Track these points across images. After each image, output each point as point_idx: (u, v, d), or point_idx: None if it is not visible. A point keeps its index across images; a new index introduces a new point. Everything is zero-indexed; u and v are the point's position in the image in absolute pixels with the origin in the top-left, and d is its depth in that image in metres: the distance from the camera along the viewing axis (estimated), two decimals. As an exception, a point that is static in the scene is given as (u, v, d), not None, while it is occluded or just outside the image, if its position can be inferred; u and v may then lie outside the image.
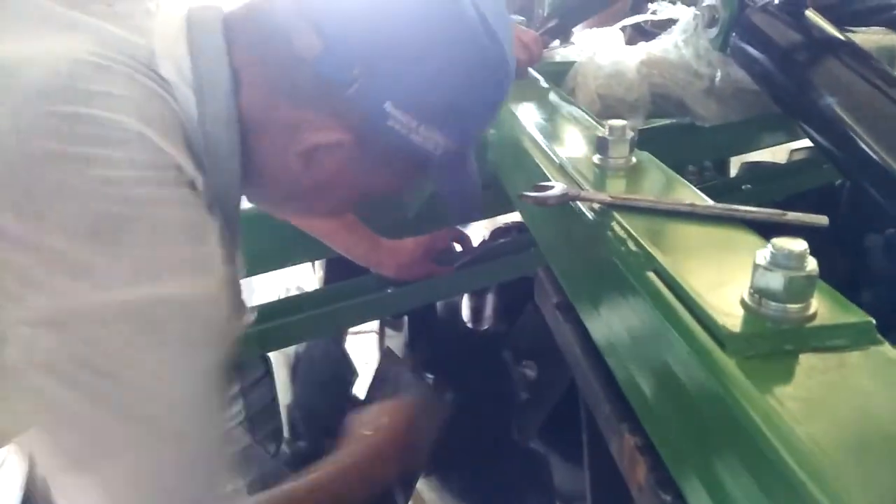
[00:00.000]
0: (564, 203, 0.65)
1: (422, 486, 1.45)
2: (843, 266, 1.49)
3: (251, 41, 0.62)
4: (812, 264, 0.44)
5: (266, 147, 0.63)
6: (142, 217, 0.51)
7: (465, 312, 1.54)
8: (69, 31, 0.56)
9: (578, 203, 0.66)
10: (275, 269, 1.15)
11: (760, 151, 1.68)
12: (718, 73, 1.27)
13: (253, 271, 1.11)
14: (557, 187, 0.66)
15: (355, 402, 1.27)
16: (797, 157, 1.73)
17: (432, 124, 0.62)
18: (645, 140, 1.25)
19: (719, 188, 1.54)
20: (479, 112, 0.68)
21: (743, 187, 1.52)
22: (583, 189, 0.68)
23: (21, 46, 0.54)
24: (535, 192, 0.66)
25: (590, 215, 0.64)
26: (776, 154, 1.76)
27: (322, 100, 0.61)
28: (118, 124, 0.51)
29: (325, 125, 0.62)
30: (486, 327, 1.48)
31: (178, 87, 0.58)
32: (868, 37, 1.35)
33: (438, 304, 1.40)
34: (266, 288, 1.30)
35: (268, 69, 0.62)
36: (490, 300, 1.50)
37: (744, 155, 1.76)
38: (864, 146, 0.93)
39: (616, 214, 0.61)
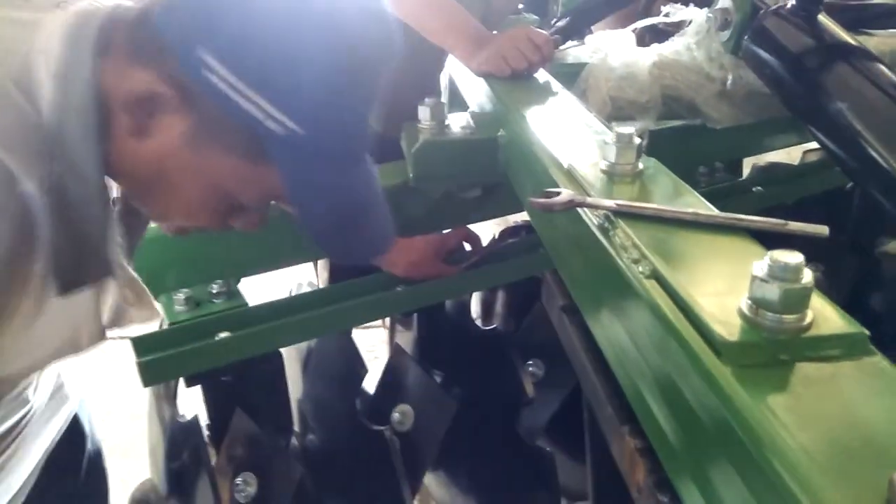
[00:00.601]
0: (570, 209, 0.67)
1: (429, 480, 1.47)
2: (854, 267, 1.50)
3: (126, 18, 0.63)
4: (808, 276, 0.45)
5: (114, 122, 0.63)
6: None
7: (475, 310, 1.56)
8: None
9: (585, 209, 0.67)
10: (285, 266, 1.17)
11: (775, 152, 1.68)
12: (730, 76, 1.27)
13: (262, 269, 1.13)
14: (564, 193, 0.67)
15: (364, 397, 1.30)
16: (810, 157, 1.73)
17: (259, 89, 0.59)
18: (656, 141, 1.27)
19: (730, 190, 1.54)
20: (324, 93, 0.62)
21: (754, 189, 1.51)
22: (589, 195, 0.69)
23: None
24: (543, 198, 0.68)
25: (595, 221, 0.65)
26: (791, 153, 1.76)
27: (154, 57, 0.61)
28: None
29: (148, 80, 0.61)
30: (494, 325, 1.50)
31: (43, 82, 0.58)
32: (883, 40, 1.35)
33: (448, 302, 1.41)
34: (277, 285, 1.32)
35: (126, 40, 0.62)
36: (499, 298, 1.52)
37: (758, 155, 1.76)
38: (872, 152, 0.94)
39: (620, 221, 0.62)
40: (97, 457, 1.11)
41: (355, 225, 0.72)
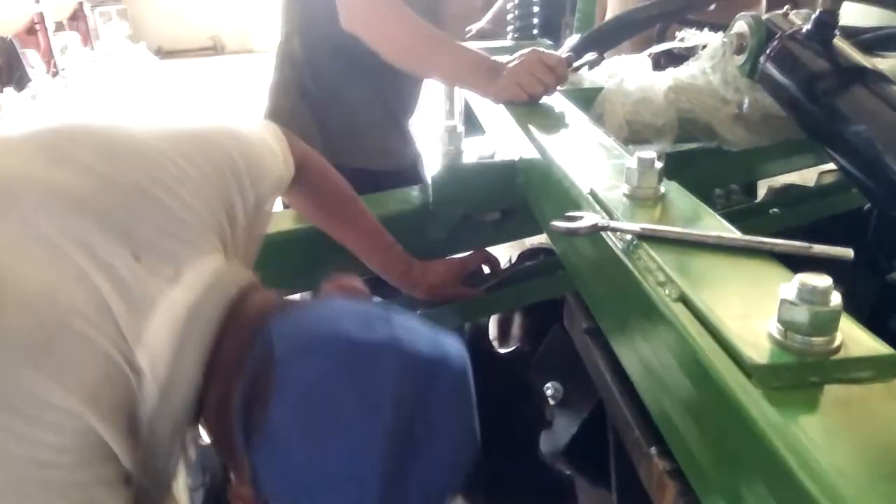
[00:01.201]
0: (594, 233, 0.67)
1: None
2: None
3: (242, 321, 0.65)
4: (837, 299, 0.46)
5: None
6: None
7: (493, 332, 1.56)
8: (77, 278, 0.57)
9: (608, 233, 0.68)
10: (307, 289, 1.18)
11: (789, 174, 1.68)
12: (746, 99, 1.28)
13: (285, 291, 1.14)
14: (587, 217, 0.68)
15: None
16: (826, 179, 1.73)
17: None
18: (672, 164, 1.27)
19: (748, 212, 1.54)
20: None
21: (771, 211, 1.52)
22: (612, 219, 0.70)
23: (25, 277, 0.56)
24: (566, 222, 0.68)
25: (619, 245, 0.66)
26: (804, 175, 1.76)
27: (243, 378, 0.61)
28: (62, 404, 0.54)
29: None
30: (512, 348, 1.50)
31: (146, 379, 0.60)
32: (898, 62, 1.36)
33: (465, 325, 1.41)
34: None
35: (234, 345, 0.63)
36: (517, 321, 1.52)
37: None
38: (889, 172, 0.94)
39: (645, 245, 0.63)
40: None
41: None
